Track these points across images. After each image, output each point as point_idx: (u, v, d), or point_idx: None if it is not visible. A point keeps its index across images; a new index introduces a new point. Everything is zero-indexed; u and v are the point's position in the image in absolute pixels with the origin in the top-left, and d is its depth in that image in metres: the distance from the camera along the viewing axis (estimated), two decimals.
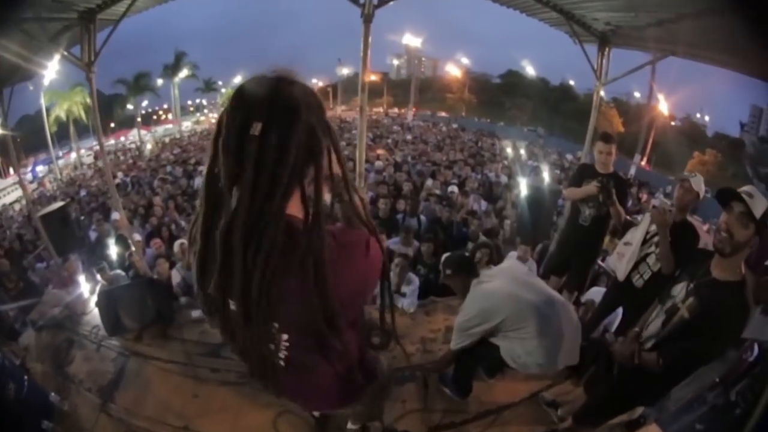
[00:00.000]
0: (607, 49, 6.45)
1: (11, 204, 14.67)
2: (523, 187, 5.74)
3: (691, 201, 2.75)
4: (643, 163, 24.83)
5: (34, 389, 2.65)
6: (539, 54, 30.72)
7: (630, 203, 5.80)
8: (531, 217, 5.20)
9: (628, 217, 3.27)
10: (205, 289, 0.96)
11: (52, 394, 2.80)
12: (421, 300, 3.92)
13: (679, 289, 2.06)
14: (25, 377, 2.67)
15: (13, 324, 3.96)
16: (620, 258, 3.04)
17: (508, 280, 2.51)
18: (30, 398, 2.56)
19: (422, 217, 5.42)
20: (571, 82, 34.57)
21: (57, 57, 5.34)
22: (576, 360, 2.49)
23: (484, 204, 6.13)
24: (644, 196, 9.65)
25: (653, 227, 2.77)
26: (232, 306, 0.94)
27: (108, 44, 5.31)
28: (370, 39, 2.98)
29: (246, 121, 0.81)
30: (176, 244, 4.82)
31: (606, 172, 3.40)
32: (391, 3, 3.10)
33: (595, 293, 3.77)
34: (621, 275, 2.99)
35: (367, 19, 2.90)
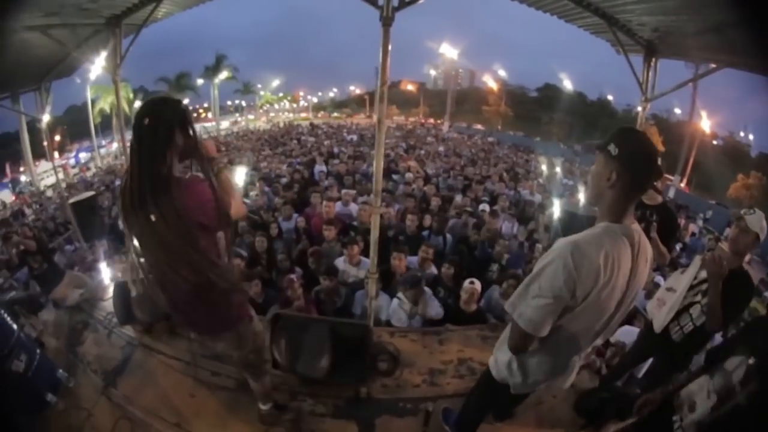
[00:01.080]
0: (653, 60, 5.79)
1: (50, 186, 15.37)
2: (557, 209, 5.34)
3: (748, 244, 2.31)
4: (682, 185, 23.46)
5: (44, 363, 2.77)
6: (577, 67, 30.01)
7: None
8: None
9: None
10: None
11: (60, 370, 2.90)
12: (435, 326, 3.63)
13: (736, 365, 1.61)
14: (38, 351, 2.80)
15: (37, 299, 4.12)
16: (660, 305, 2.64)
17: None
18: (39, 371, 2.68)
19: (448, 236, 5.11)
20: (609, 97, 33.54)
21: (103, 55, 5.58)
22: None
23: (515, 226, 5.75)
24: (682, 221, 8.92)
25: (702, 273, 2.39)
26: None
27: (153, 45, 5.56)
28: (389, 45, 2.73)
29: (140, 119, 1.56)
30: None
31: (652, 203, 2.93)
32: (416, 4, 2.85)
33: (626, 333, 3.37)
34: (658, 326, 2.58)
35: (386, 22, 2.66)
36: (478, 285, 3.68)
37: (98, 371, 3.08)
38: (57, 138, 20.85)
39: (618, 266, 1.42)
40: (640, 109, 6.09)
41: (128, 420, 2.62)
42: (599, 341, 1.73)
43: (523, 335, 1.50)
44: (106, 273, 4.51)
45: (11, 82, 8.21)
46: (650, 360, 2.89)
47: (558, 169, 12.31)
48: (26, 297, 4.22)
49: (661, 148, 22.97)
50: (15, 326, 2.78)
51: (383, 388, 2.91)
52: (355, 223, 5.14)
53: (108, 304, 3.76)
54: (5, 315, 2.79)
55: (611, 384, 2.92)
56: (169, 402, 2.79)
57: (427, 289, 3.69)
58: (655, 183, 2.62)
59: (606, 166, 1.43)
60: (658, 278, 4.71)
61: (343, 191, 5.92)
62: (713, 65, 5.54)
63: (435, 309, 3.64)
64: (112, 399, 2.82)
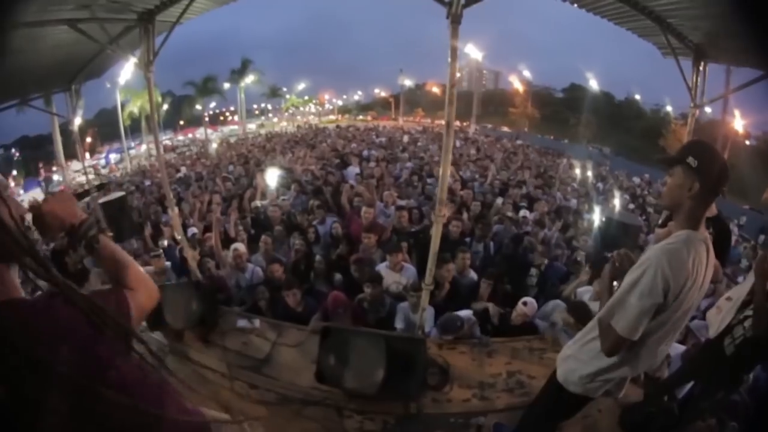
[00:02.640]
0: (702, 64, 5.55)
1: (80, 185, 15.88)
2: (596, 216, 5.16)
3: None
4: None
5: None
6: (603, 66, 29.35)
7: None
8: (604, 254, 4.60)
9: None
10: None
11: None
12: (480, 338, 3.53)
13: None
14: None
15: None
16: (718, 313, 2.66)
17: None
18: None
19: (491, 243, 5.00)
20: (637, 97, 32.58)
21: (131, 59, 5.57)
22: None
23: (554, 231, 5.57)
24: None
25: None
26: None
27: (180, 49, 5.45)
28: (457, 43, 2.65)
29: None
30: (232, 247, 4.73)
31: (709, 215, 2.81)
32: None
33: (674, 347, 3.24)
34: (713, 330, 2.64)
35: (455, 19, 2.59)
36: (530, 308, 3.57)
37: None
38: (88, 140, 21.61)
39: (698, 272, 1.55)
40: (690, 115, 5.84)
41: None
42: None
43: (620, 340, 1.59)
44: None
45: (43, 83, 8.14)
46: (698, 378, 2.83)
47: (590, 173, 12.01)
48: None
49: None
50: None
51: (433, 403, 2.83)
52: (395, 227, 5.04)
53: None
54: None
55: (657, 399, 2.82)
56: None
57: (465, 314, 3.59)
58: None
59: (686, 178, 1.54)
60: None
61: (385, 193, 5.86)
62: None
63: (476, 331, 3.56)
64: None
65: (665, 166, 1.71)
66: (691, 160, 1.52)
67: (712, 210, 2.83)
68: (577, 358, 1.90)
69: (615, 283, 1.87)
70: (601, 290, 2.00)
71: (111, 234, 4.34)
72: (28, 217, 1.06)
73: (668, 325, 1.64)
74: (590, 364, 1.81)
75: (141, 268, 1.21)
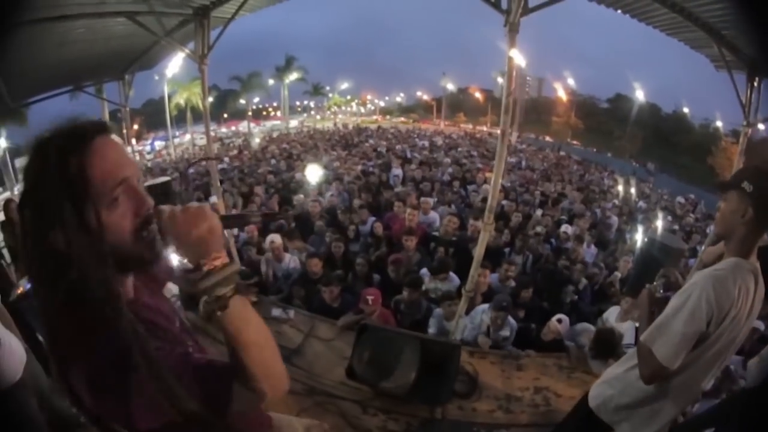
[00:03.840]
0: (757, 80, 5.28)
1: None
2: (640, 236, 5.01)
3: None
4: None
5: None
6: (650, 77, 28.14)
7: None
8: (643, 276, 4.46)
9: None
10: None
11: None
12: (512, 349, 3.54)
13: None
14: None
15: None
16: (760, 361, 2.51)
17: None
18: None
19: (529, 255, 4.98)
20: (686, 110, 30.95)
21: (180, 54, 5.78)
22: None
23: (594, 249, 5.44)
24: None
25: None
26: None
27: (226, 45, 5.62)
28: (515, 51, 2.65)
29: None
30: (268, 238, 4.84)
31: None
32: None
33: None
34: (751, 382, 2.49)
35: (512, 28, 2.59)
36: (564, 326, 3.55)
37: None
38: (135, 127, 22.76)
39: (745, 302, 1.48)
40: (742, 133, 5.63)
41: None
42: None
43: (660, 368, 1.52)
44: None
45: (96, 72, 8.50)
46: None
47: (633, 190, 11.59)
48: None
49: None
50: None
51: (458, 411, 2.83)
52: (436, 234, 5.07)
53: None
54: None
55: None
56: None
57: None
58: None
59: (740, 203, 1.50)
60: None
61: (422, 199, 5.86)
62: None
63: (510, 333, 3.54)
64: None
65: (719, 190, 1.68)
66: (746, 185, 1.48)
67: (764, 239, 2.76)
68: (613, 385, 1.82)
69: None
70: (641, 316, 1.91)
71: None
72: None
73: (709, 356, 1.56)
74: (626, 394, 1.74)
75: (276, 351, 0.90)
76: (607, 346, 3.22)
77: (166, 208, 0.81)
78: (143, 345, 0.74)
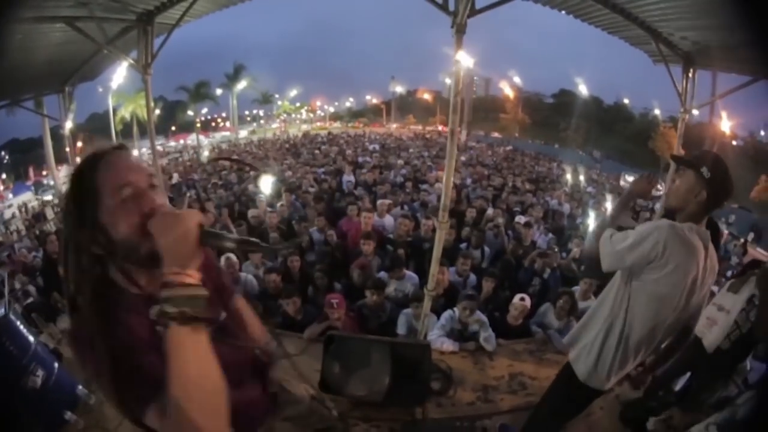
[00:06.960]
0: (691, 71, 5.88)
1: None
2: (592, 221, 5.23)
3: None
4: None
5: (62, 379, 2.60)
6: (591, 72, 29.82)
7: None
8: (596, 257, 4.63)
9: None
10: None
11: (80, 386, 2.70)
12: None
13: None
14: (56, 364, 2.63)
15: (56, 305, 3.99)
16: (710, 325, 2.66)
17: None
18: (57, 388, 2.52)
19: (486, 249, 5.04)
20: (626, 101, 33.16)
21: (123, 64, 5.49)
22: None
23: (546, 238, 5.62)
24: None
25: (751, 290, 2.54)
26: None
27: (172, 53, 5.36)
28: (462, 52, 2.68)
29: None
30: (223, 257, 4.57)
31: None
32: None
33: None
34: (710, 346, 2.63)
35: (459, 29, 2.62)
36: (528, 302, 3.61)
37: None
38: (79, 144, 21.40)
39: (694, 256, 1.62)
40: (680, 119, 6.17)
41: None
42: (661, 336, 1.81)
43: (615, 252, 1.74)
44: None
45: (35, 83, 7.92)
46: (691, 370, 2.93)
47: (582, 177, 12.14)
48: (42, 303, 4.13)
49: (681, 151, 22.55)
50: (31, 338, 2.60)
51: (438, 408, 2.85)
52: (391, 236, 5.05)
53: None
54: (21, 326, 2.61)
55: (655, 394, 2.90)
56: None
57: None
58: None
59: (696, 185, 1.64)
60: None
61: (378, 201, 5.81)
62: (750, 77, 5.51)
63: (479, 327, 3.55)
64: None
65: (677, 164, 1.87)
66: (705, 170, 1.62)
67: None
68: (589, 350, 1.90)
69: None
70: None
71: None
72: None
73: (665, 291, 1.68)
74: (595, 347, 1.85)
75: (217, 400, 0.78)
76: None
77: (163, 208, 0.91)
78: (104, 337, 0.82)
